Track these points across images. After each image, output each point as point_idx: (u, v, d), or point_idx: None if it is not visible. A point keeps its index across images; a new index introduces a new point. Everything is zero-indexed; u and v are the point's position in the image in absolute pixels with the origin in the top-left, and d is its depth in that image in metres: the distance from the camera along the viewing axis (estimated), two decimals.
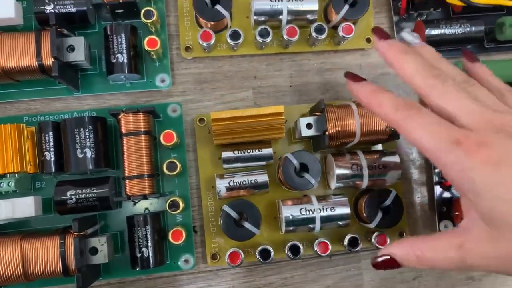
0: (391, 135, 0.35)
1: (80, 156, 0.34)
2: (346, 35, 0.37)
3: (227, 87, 0.39)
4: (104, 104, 0.38)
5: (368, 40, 0.40)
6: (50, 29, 0.34)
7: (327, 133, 0.34)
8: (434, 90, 0.27)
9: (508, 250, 0.24)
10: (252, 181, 0.35)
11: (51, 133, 0.34)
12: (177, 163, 0.35)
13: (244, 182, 0.35)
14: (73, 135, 0.34)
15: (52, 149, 0.34)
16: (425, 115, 0.26)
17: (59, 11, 0.35)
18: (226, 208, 0.34)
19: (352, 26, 0.37)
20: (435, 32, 0.38)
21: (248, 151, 0.36)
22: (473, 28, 0.38)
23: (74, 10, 0.35)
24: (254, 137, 0.35)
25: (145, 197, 0.34)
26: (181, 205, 0.35)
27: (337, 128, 0.35)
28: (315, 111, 0.37)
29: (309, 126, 0.36)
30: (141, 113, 0.35)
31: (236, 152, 0.36)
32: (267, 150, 0.36)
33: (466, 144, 0.24)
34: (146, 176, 0.34)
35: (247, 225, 0.34)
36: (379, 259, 0.28)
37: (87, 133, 0.34)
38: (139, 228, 0.34)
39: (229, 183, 0.35)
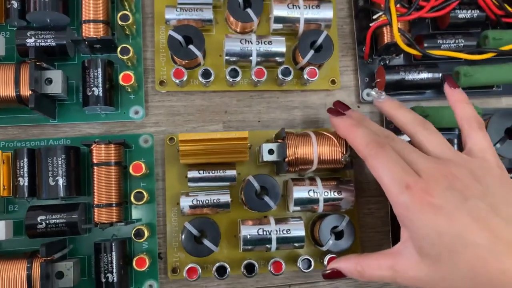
0: (346, 165, 0.38)
1: (52, 183, 0.35)
2: (310, 78, 0.39)
3: (199, 120, 0.42)
4: (79, 132, 0.40)
5: (333, 82, 0.42)
6: (29, 62, 0.36)
7: (286, 159, 0.37)
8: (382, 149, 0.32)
9: (429, 276, 0.30)
10: (215, 201, 0.37)
11: (25, 160, 0.36)
12: (144, 194, 0.37)
13: (207, 201, 0.37)
14: (46, 163, 0.35)
15: (26, 175, 0.36)
16: (388, 155, 0.32)
17: (39, 44, 0.37)
18: (187, 225, 0.36)
19: (316, 70, 0.40)
20: (394, 77, 0.41)
21: (213, 171, 0.38)
22: (431, 75, 0.41)
23: (54, 44, 0.37)
24: (219, 159, 0.37)
25: (112, 224, 0.36)
26: (146, 233, 0.36)
27: (296, 156, 0.37)
28: (278, 138, 0.39)
29: (270, 152, 0.38)
30: (112, 144, 0.37)
31: (201, 172, 0.38)
32: (231, 171, 0.38)
33: (414, 189, 0.30)
34: (114, 205, 0.36)
35: (206, 242, 0.36)
36: (328, 271, 0.35)
37: (59, 162, 0.36)
38: (105, 254, 0.36)
39: (192, 201, 0.37)
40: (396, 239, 0.42)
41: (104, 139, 0.36)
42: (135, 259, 0.36)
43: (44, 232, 0.36)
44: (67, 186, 0.36)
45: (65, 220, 0.36)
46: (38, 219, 0.36)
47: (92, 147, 0.36)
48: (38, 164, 0.36)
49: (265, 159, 0.38)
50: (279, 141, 0.38)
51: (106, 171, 0.36)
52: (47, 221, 0.36)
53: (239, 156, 0.38)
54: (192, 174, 0.38)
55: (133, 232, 0.36)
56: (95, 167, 0.36)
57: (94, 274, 0.36)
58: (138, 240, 0.36)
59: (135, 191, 0.37)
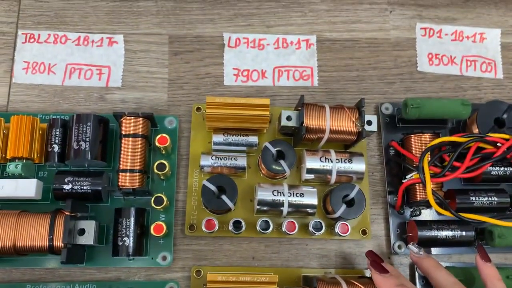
0: None
1: None
2: (342, 234, 0.39)
3: (225, 265, 0.41)
4: (105, 275, 0.40)
5: (364, 232, 0.42)
6: (64, 213, 0.36)
7: None
8: None
9: None
10: None
11: None
12: None
13: None
14: None
15: None
16: None
17: (76, 191, 0.38)
18: (205, 182, 0.38)
19: (348, 226, 0.39)
20: (427, 234, 0.40)
21: None
22: (464, 233, 0.40)
23: (89, 190, 0.38)
24: None
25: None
26: None
27: None
28: (308, 285, 0.38)
29: None
30: None
31: None
32: None
33: None
34: None
35: (224, 198, 0.38)
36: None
37: None
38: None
39: None
40: None
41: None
42: None
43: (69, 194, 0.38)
44: None
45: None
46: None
47: None
48: None
49: None
50: None
51: None
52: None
53: None
54: None
55: None
56: None
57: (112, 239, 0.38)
58: None
59: None
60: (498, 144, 0.40)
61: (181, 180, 0.42)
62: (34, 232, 0.36)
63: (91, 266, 0.39)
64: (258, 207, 0.40)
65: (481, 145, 0.40)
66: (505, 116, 0.42)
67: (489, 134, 0.41)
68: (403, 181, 0.40)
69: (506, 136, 0.40)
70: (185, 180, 0.42)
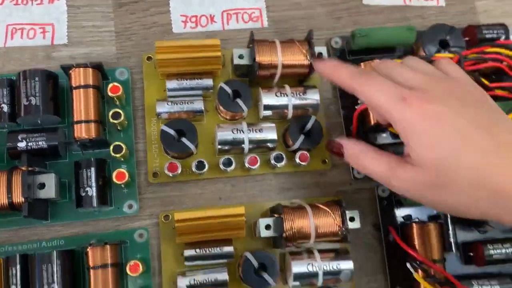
0: (344, 238, 0.38)
1: None
2: (302, 163, 0.40)
3: (193, 207, 0.41)
4: (72, 230, 0.39)
5: (324, 162, 0.43)
6: (21, 169, 0.35)
7: (284, 235, 0.37)
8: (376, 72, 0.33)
9: (427, 182, 0.30)
10: (213, 280, 0.37)
11: (18, 267, 0.35)
12: None
13: (205, 281, 0.37)
14: (40, 271, 0.35)
15: (19, 283, 0.35)
16: (375, 78, 0.32)
17: (31, 147, 0.37)
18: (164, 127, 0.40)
19: (307, 154, 0.40)
20: None
21: (210, 249, 0.38)
22: None
23: (45, 146, 0.37)
24: (216, 236, 0.37)
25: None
26: None
27: (293, 230, 0.37)
28: (274, 212, 0.39)
29: (267, 227, 0.38)
30: (108, 246, 0.36)
31: (198, 250, 0.37)
32: (228, 248, 0.38)
33: (409, 99, 0.30)
34: None
35: (184, 140, 0.38)
36: (334, 144, 0.36)
37: (55, 269, 0.35)
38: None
39: (190, 281, 0.37)
40: None
41: (100, 242, 0.36)
42: None
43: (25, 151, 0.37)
44: None
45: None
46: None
47: (88, 249, 0.36)
48: (32, 271, 0.35)
49: (262, 235, 0.38)
50: (276, 215, 0.38)
51: (103, 274, 0.35)
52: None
53: (236, 233, 0.37)
54: (188, 252, 0.37)
55: None
56: (91, 271, 0.35)
57: (74, 190, 0.37)
58: None
59: None
60: None
61: (140, 130, 0.42)
62: None
63: (56, 222, 0.39)
64: (219, 147, 0.40)
65: None
66: (448, 37, 0.44)
67: (436, 55, 0.42)
68: (356, 107, 0.42)
69: (451, 55, 0.42)
70: (143, 130, 0.42)
